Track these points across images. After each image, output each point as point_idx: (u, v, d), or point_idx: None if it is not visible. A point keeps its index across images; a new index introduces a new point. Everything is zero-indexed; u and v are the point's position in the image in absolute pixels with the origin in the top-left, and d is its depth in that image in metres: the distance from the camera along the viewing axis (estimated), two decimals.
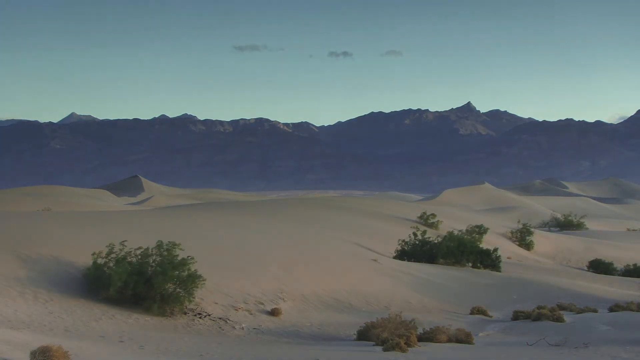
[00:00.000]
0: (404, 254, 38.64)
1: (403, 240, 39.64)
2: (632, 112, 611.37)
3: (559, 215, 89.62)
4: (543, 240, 60.17)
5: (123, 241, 21.35)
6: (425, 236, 39.96)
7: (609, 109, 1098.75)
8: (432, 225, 53.43)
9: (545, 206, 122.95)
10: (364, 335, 19.49)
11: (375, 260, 33.49)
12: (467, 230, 50.60)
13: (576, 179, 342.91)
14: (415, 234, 39.92)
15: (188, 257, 21.40)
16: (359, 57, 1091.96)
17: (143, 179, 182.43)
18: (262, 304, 23.30)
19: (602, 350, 17.33)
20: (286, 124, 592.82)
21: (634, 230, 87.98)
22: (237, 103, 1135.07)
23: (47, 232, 25.59)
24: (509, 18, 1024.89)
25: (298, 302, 24.58)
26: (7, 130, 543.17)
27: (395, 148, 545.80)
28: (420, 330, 19.67)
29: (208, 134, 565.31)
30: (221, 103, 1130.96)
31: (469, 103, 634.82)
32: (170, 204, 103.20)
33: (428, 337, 19.22)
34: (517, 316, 25.44)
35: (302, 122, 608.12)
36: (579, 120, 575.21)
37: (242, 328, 20.71)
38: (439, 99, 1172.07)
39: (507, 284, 34.11)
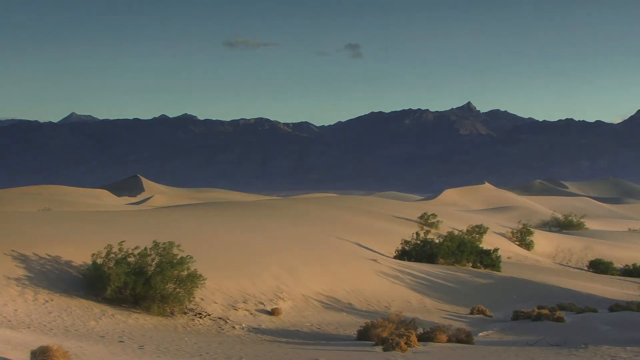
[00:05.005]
0: (404, 254, 38.61)
1: (405, 240, 39.61)
2: (632, 112, 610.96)
3: (559, 215, 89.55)
4: (543, 240, 60.15)
5: (121, 241, 21.33)
6: (427, 236, 39.94)
7: (609, 109, 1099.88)
8: (432, 225, 53.42)
9: (545, 206, 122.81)
10: (364, 335, 19.48)
11: (375, 260, 33.46)
12: (467, 230, 50.62)
13: (576, 178, 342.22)
14: (417, 233, 39.90)
15: (187, 256, 21.38)
16: (364, 52, 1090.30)
17: (143, 179, 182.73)
18: (262, 304, 23.30)
19: (602, 350, 17.31)
20: (286, 124, 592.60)
21: (634, 230, 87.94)
22: (237, 103, 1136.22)
23: (46, 232, 25.56)
24: (509, 18, 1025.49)
25: (298, 302, 24.58)
26: (7, 130, 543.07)
27: (395, 148, 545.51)
28: (420, 330, 19.66)
29: (208, 134, 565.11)
30: (221, 103, 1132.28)
31: (469, 103, 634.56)
32: (170, 204, 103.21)
33: (428, 337, 19.21)
34: (517, 316, 25.46)
35: (302, 122, 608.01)
36: (579, 120, 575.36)
37: (242, 328, 20.70)
38: (439, 99, 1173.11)
39: (507, 284, 34.10)
